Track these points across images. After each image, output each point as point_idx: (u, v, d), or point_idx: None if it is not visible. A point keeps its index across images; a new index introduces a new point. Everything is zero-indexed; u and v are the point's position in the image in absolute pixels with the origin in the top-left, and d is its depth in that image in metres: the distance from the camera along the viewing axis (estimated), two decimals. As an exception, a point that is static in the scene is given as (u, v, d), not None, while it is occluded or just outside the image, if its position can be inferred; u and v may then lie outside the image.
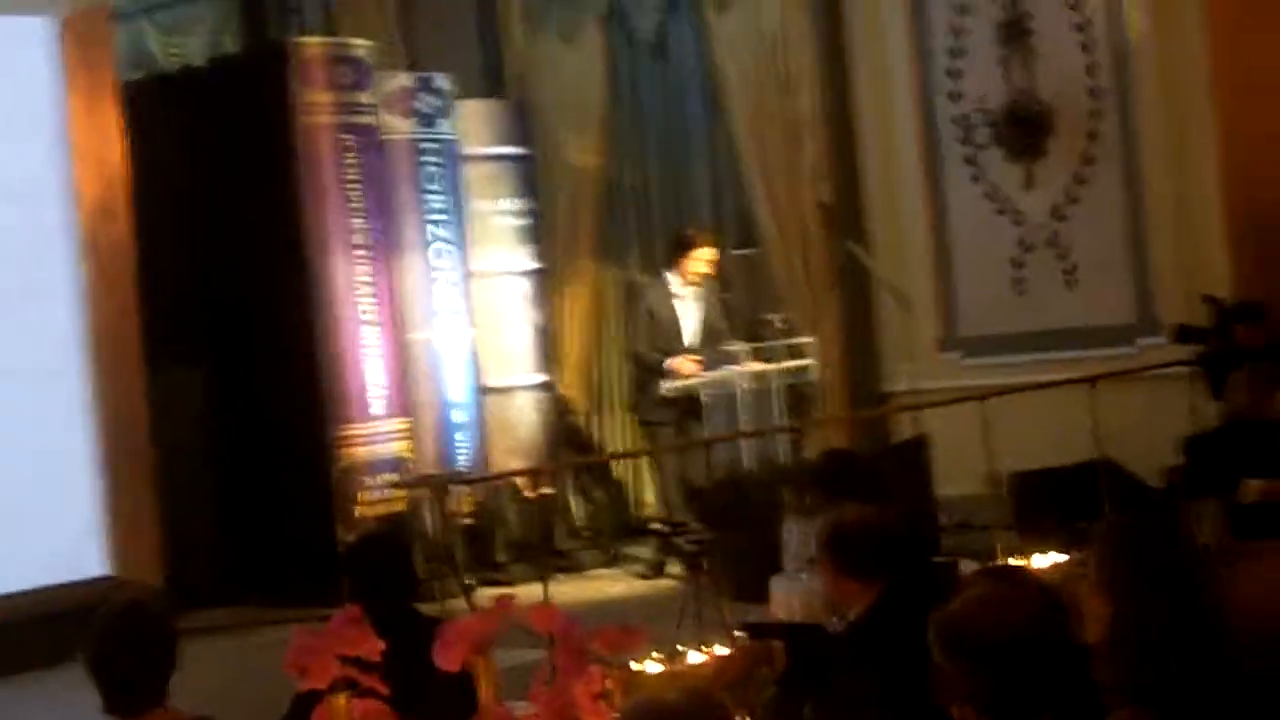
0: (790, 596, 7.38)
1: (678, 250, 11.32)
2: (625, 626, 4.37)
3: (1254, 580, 6.28)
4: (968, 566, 7.10)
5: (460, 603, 8.99)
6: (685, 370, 10.93)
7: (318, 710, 4.15)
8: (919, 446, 10.36)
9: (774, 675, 5.37)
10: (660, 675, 5.27)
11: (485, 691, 4.36)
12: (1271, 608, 6.28)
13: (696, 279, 11.23)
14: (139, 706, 4.38)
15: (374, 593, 5.19)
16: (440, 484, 10.48)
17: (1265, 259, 10.80)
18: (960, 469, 10.07)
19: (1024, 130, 11.36)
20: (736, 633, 6.21)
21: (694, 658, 5.60)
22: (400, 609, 5.34)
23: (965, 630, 3.35)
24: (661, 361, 10.97)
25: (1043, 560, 6.98)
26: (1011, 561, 6.71)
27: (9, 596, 9.63)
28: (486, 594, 9.18)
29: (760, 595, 7.70)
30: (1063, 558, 7.02)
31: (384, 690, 4.27)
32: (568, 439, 13.13)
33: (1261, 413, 8.16)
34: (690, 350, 11.09)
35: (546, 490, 12.00)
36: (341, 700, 4.11)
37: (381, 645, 4.27)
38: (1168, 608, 3.95)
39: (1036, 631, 3.33)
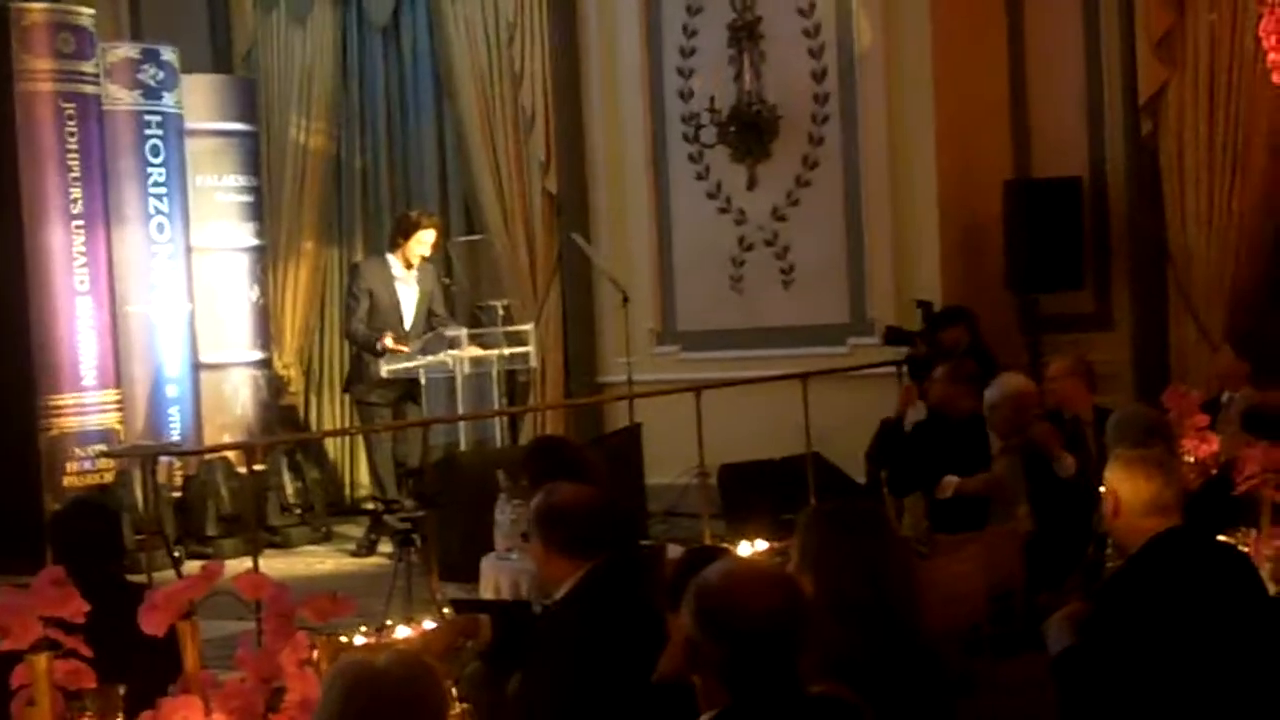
0: (499, 576, 7.44)
1: (400, 232, 11.29)
2: (333, 595, 4.38)
3: (944, 572, 6.53)
4: (674, 551, 7.24)
5: (169, 574, 8.86)
6: (395, 348, 10.88)
7: (18, 670, 4.09)
8: (632, 435, 10.50)
9: (479, 648, 5.40)
10: (367, 647, 5.28)
11: (190, 657, 4.34)
12: (960, 598, 6.52)
13: (418, 261, 11.22)
14: None
15: (79, 557, 5.12)
16: (149, 454, 10.32)
17: (974, 265, 11.19)
18: (672, 459, 10.21)
19: (749, 132, 11.58)
20: (444, 609, 6.24)
21: (401, 631, 5.62)
22: (105, 574, 5.28)
23: (722, 608, 3.46)
24: (377, 340, 10.92)
25: (747, 547, 7.13)
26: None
27: None
28: (195, 566, 9.08)
29: (471, 575, 7.75)
30: (765, 545, 7.19)
31: (86, 652, 4.23)
32: (282, 417, 13.06)
33: (956, 408, 8.42)
34: (410, 333, 11.06)
35: (259, 466, 11.90)
36: (43, 660, 4.06)
37: (85, 606, 4.22)
38: (866, 587, 4.10)
39: (786, 614, 3.47)
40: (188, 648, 4.31)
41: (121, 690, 4.31)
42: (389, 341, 10.86)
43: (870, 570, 4.16)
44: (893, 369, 10.42)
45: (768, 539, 7.28)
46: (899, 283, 11.19)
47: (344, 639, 5.22)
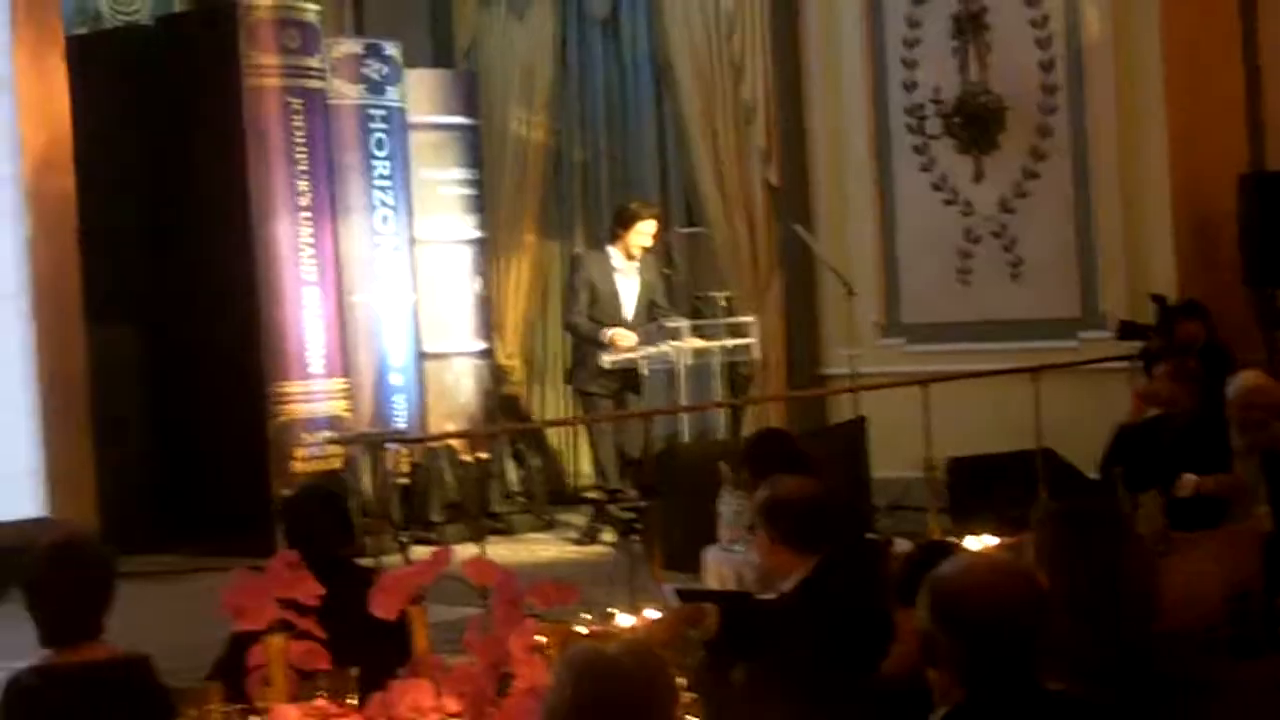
0: (722, 568, 7.39)
1: (620, 224, 11.29)
2: (560, 582, 4.38)
3: (1181, 571, 6.36)
4: (901, 546, 7.14)
5: (396, 559, 8.97)
6: (622, 343, 10.92)
7: (254, 650, 4.14)
8: (857, 428, 10.39)
9: (705, 637, 5.36)
10: (592, 634, 5.27)
11: (419, 641, 4.36)
12: (1197, 599, 6.35)
13: (639, 253, 11.21)
14: (75, 638, 4.36)
15: (311, 541, 5.17)
16: (376, 441, 10.46)
17: (1209, 259, 10.90)
18: (897, 453, 10.14)
19: (976, 123, 11.41)
20: (668, 598, 6.20)
21: (624, 620, 5.59)
22: (336, 558, 5.33)
23: (960, 602, 3.40)
24: (598, 332, 10.96)
25: (974, 543, 6.99)
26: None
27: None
28: (421, 552, 9.17)
29: (692, 566, 7.71)
30: (994, 541, 7.05)
31: (320, 634, 4.26)
32: (504, 407, 13.14)
33: (1176, 404, 8.23)
34: (630, 325, 11.07)
35: (483, 455, 12.00)
36: (278, 641, 4.10)
37: (319, 589, 4.26)
38: (1100, 583, 4.00)
39: (1024, 607, 3.41)
40: (418, 632, 4.35)
41: (354, 672, 4.32)
42: (611, 335, 10.87)
43: (1107, 570, 4.05)
44: (1125, 364, 10.21)
45: (996, 534, 7.14)
46: (1131, 276, 10.95)
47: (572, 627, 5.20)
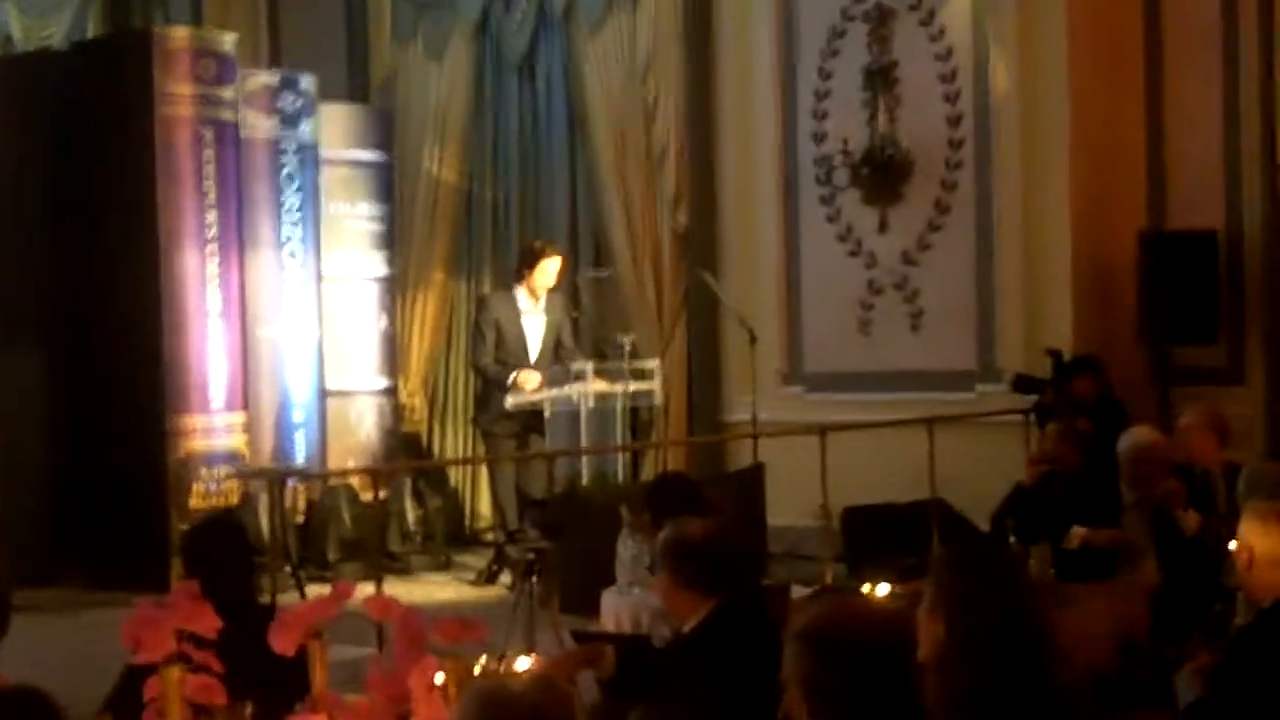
0: (620, 610, 7.44)
1: (525, 263, 11.33)
2: (463, 618, 4.39)
3: (1072, 621, 6.45)
4: (798, 592, 7.20)
5: (293, 596, 8.95)
6: (528, 386, 10.95)
7: (151, 682, 4.13)
8: (755, 474, 10.48)
9: (602, 677, 5.39)
10: (490, 673, 5.28)
11: (318, 676, 4.36)
12: (1087, 648, 6.44)
13: (544, 292, 11.23)
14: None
15: (213, 574, 5.15)
16: (278, 476, 10.39)
17: (1107, 314, 11.07)
18: (794, 500, 10.22)
19: (882, 175, 11.54)
20: (566, 640, 6.24)
21: (522, 661, 5.61)
22: (237, 592, 5.32)
23: (833, 625, 3.44)
24: (505, 375, 10.98)
25: (877, 590, 7.06)
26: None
27: None
28: (317, 590, 9.15)
29: (591, 608, 7.75)
30: (887, 589, 7.11)
31: (218, 668, 4.26)
32: (406, 446, 13.12)
33: (1063, 464, 8.37)
34: (535, 365, 11.10)
35: (382, 494, 11.96)
36: (175, 674, 4.09)
37: (219, 622, 4.26)
38: (1000, 629, 4.06)
39: (897, 630, 3.45)
40: (317, 667, 4.34)
41: (250, 708, 4.32)
42: (517, 379, 10.89)
43: (1006, 615, 4.11)
44: (1020, 417, 10.34)
45: (890, 583, 7.21)
46: (1029, 330, 11.10)
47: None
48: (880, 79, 11.56)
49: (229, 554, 5.55)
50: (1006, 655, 4.02)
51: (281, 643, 4.29)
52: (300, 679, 4.37)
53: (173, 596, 4.28)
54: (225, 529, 6.01)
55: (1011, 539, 7.98)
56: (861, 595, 5.42)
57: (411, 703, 4.16)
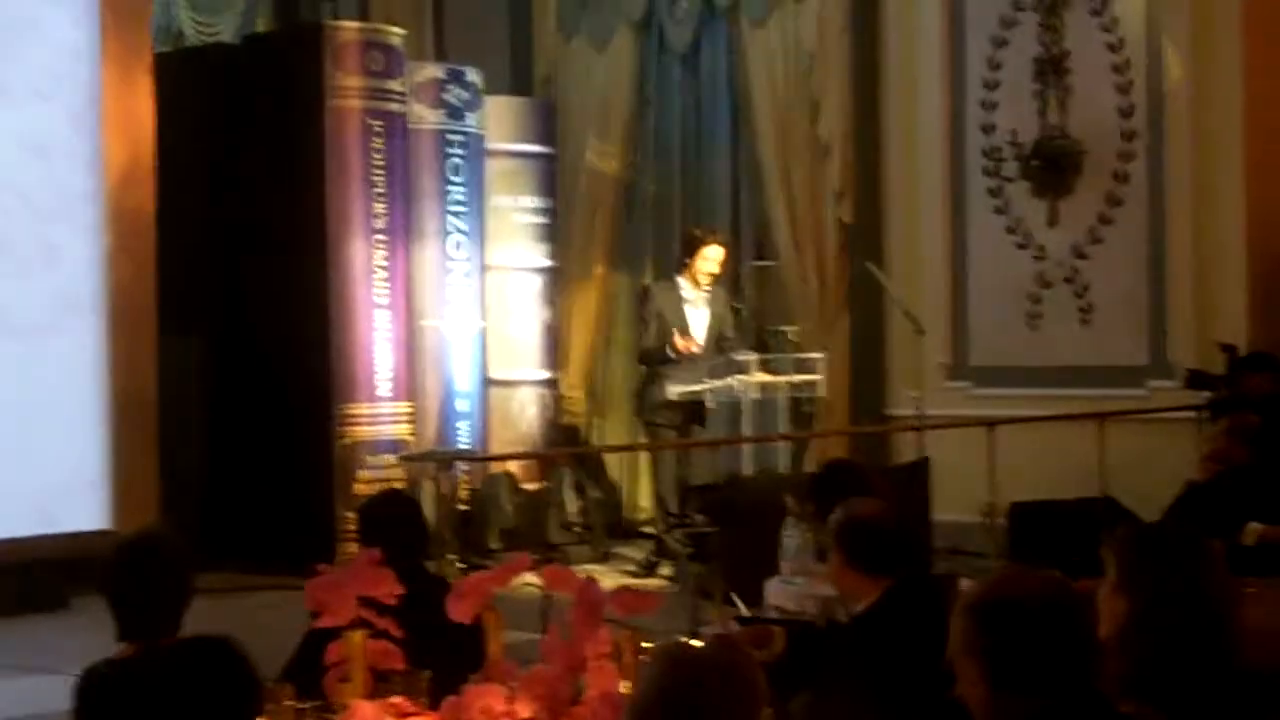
0: (784, 600, 7.37)
1: (686, 250, 11.29)
2: (639, 590, 4.39)
3: (1254, 615, 6.32)
4: (966, 585, 7.11)
5: (455, 584, 8.96)
6: (692, 348, 10.88)
7: (333, 646, 4.16)
8: (919, 469, 10.37)
9: (769, 659, 5.34)
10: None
11: (494, 645, 4.38)
12: (1269, 645, 6.31)
13: (706, 280, 11.18)
14: (154, 633, 4.34)
15: (388, 544, 5.18)
16: (444, 460, 10.46)
17: (1282, 310, 10.86)
18: (959, 496, 10.10)
19: (1052, 167, 11.40)
20: (731, 626, 6.20)
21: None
22: (413, 562, 5.34)
23: (993, 596, 3.39)
24: (666, 345, 10.93)
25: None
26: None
27: (7, 541, 9.63)
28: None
29: (753, 598, 7.69)
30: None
31: (398, 634, 4.29)
32: (566, 438, 13.16)
33: (1231, 461, 8.21)
34: (701, 355, 11.06)
35: (542, 484, 12.02)
36: (358, 638, 4.12)
37: (399, 589, 4.29)
38: (1184, 606, 3.97)
39: (1059, 606, 3.37)
40: (492, 637, 4.36)
41: (427, 675, 4.34)
42: (678, 340, 10.87)
43: (1190, 591, 4.02)
44: (1193, 414, 10.16)
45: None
46: (1202, 325, 10.90)
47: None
48: (1051, 69, 11.42)
49: (406, 524, 5.60)
50: (1191, 633, 3.94)
51: (458, 611, 4.31)
52: (475, 649, 4.38)
53: (354, 562, 4.31)
54: (402, 500, 6.07)
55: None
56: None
57: (586, 673, 4.16)
